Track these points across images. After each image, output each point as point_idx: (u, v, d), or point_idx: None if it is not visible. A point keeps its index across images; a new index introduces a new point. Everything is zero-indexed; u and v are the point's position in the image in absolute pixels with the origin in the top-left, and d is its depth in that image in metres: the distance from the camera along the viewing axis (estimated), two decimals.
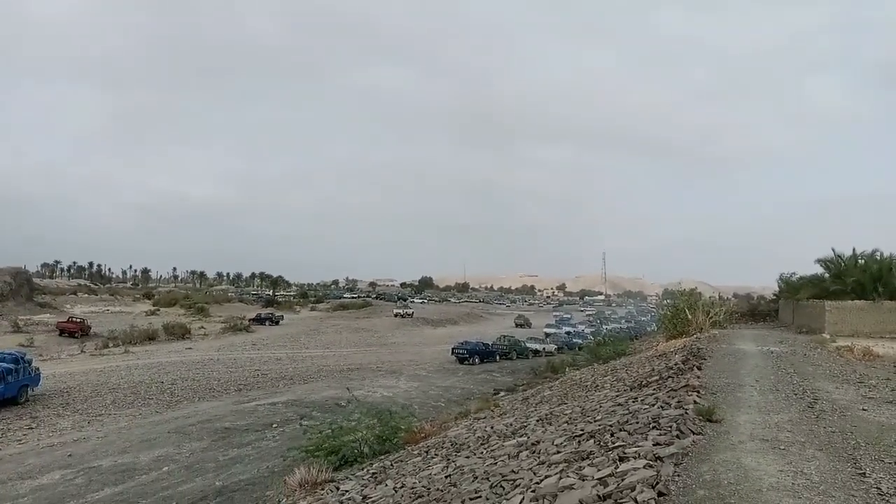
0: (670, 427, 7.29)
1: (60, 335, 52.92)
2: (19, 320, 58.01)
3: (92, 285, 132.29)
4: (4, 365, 26.54)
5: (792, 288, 39.09)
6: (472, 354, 44.21)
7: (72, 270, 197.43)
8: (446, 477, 8.80)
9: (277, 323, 75.09)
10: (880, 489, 5.37)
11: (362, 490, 10.39)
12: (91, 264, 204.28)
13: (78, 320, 57.52)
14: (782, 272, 43.28)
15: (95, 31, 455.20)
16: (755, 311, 45.92)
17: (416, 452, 12.72)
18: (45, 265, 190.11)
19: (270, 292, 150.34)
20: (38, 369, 29.20)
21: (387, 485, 9.96)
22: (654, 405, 9.24)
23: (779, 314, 42.60)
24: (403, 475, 10.36)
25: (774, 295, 47.57)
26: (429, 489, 8.48)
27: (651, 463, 5.89)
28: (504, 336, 55.57)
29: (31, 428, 23.28)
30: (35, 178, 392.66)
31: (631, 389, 12.31)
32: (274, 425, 22.29)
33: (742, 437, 7.25)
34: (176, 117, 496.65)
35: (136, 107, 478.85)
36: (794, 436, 7.41)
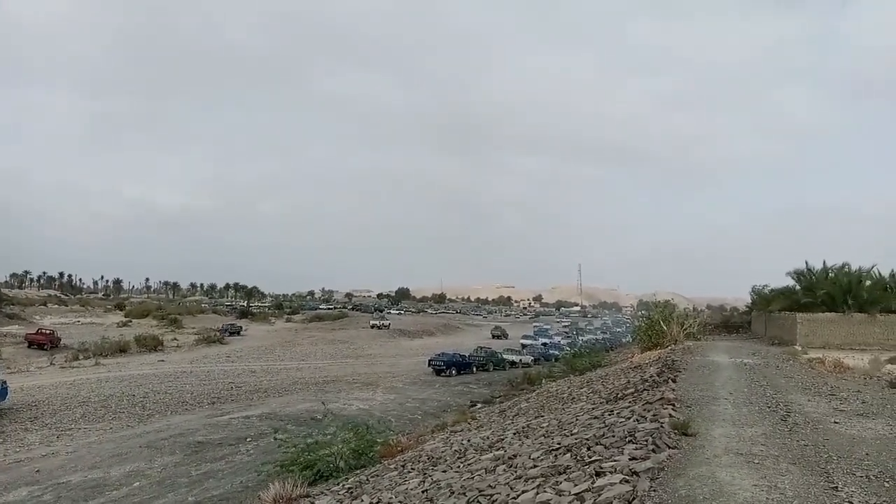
0: (646, 441, 7.33)
1: (29, 347, 51.93)
2: None
3: (62, 296, 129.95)
4: None
5: (764, 300, 39.63)
6: (449, 366, 44.10)
7: (42, 281, 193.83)
8: (423, 492, 8.75)
9: (238, 333, 74.75)
10: (852, 503, 5.44)
11: None
12: (62, 274, 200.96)
13: (47, 332, 56.44)
14: (755, 284, 43.88)
15: (67, 34, 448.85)
16: (728, 323, 46.46)
17: (392, 467, 12.64)
18: (13, 275, 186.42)
19: (245, 303, 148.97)
20: (4, 382, 28.55)
21: (363, 500, 9.88)
22: (630, 418, 9.28)
23: (751, 326, 43.15)
24: (380, 490, 10.28)
25: (747, 307, 48.19)
26: None
27: (627, 478, 5.91)
28: (481, 347, 55.60)
29: None
30: (3, 185, 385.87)
31: (607, 402, 12.37)
32: (248, 439, 22.02)
33: (717, 450, 7.30)
34: (149, 123, 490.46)
35: (109, 112, 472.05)
36: (768, 449, 7.49)
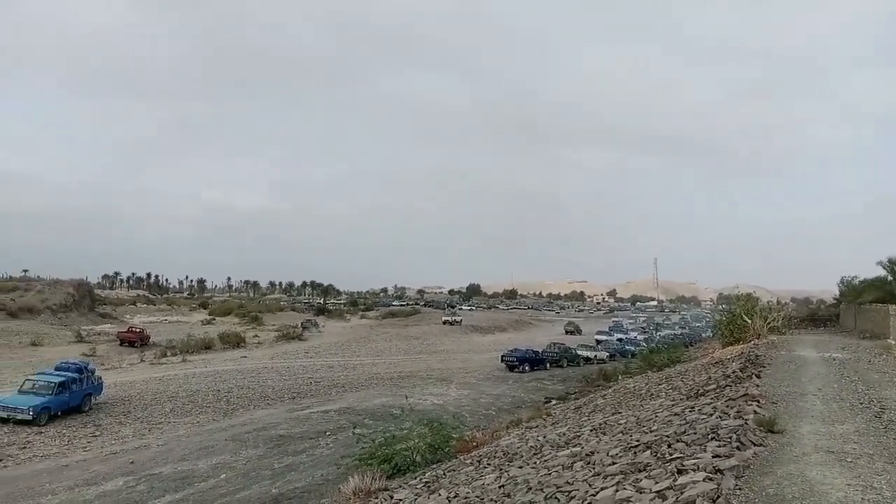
0: (730, 438, 7.12)
1: (121, 345, 54.51)
2: (82, 330, 60.15)
3: (150, 296, 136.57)
4: (69, 374, 27.49)
5: (854, 292, 37.71)
6: (522, 362, 43.82)
7: (131, 281, 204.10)
8: (500, 487, 8.77)
9: (316, 326, 77.61)
10: None
11: (416, 499, 10.43)
12: (149, 275, 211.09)
13: (137, 330, 59.27)
14: (843, 275, 41.81)
15: (140, 44, 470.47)
16: (815, 317, 44.48)
17: (468, 462, 12.70)
18: (105, 276, 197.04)
19: (321, 301, 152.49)
20: (100, 378, 30.15)
21: (440, 494, 9.97)
22: (711, 415, 9.03)
23: (840, 319, 41.14)
24: (456, 485, 10.35)
25: (835, 299, 46.05)
26: (482, 499, 8.47)
27: (711, 476, 5.76)
28: (554, 343, 54.96)
29: (95, 436, 24.08)
30: (93, 191, 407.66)
31: (687, 398, 12.06)
32: (327, 433, 22.54)
33: (806, 448, 7.03)
34: (222, 128, 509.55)
35: (183, 118, 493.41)
36: (862, 447, 7.15)
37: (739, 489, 5.41)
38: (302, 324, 77.77)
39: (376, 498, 11.73)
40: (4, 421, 24.53)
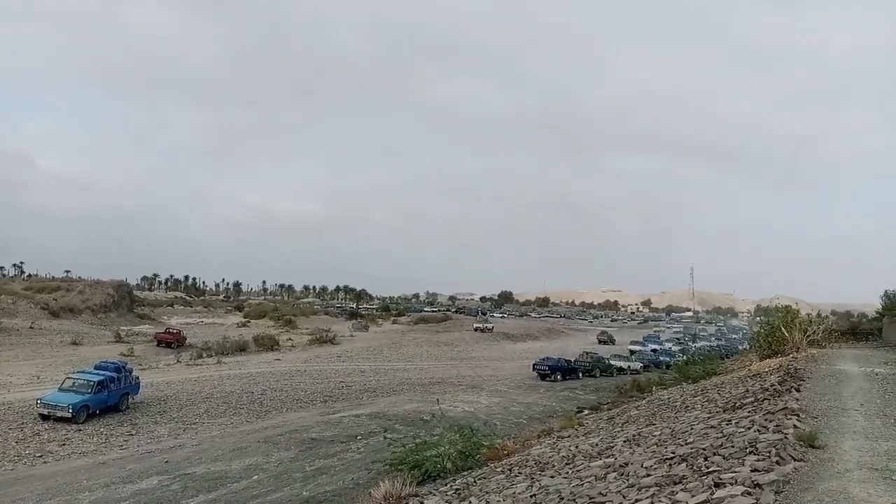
0: (769, 452, 6.96)
1: (158, 345, 55.62)
2: (121, 330, 61.50)
3: (187, 297, 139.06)
4: (108, 374, 28.10)
5: None
6: (554, 371, 43.47)
7: (169, 283, 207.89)
8: (531, 497, 8.69)
9: (366, 329, 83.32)
10: None
11: None
12: (187, 277, 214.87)
13: (174, 331, 60.39)
14: (887, 288, 40.63)
15: (186, 50, 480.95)
16: (856, 330, 43.25)
17: (499, 470, 12.62)
18: (144, 278, 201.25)
19: (354, 305, 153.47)
20: (137, 378, 30.77)
21: (471, 502, 9.93)
22: (749, 428, 8.83)
23: (883, 333, 39.93)
24: (487, 493, 10.29)
25: (878, 312, 44.70)
26: None
27: (750, 490, 5.63)
28: (587, 352, 54.47)
29: (132, 434, 24.56)
30: (134, 194, 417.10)
31: (724, 411, 11.83)
32: (358, 437, 22.62)
33: (848, 464, 6.83)
34: (264, 133, 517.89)
35: (226, 123, 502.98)
36: None
37: None
38: (353, 325, 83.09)
39: (406, 503, 11.72)
40: (45, 418, 25.17)
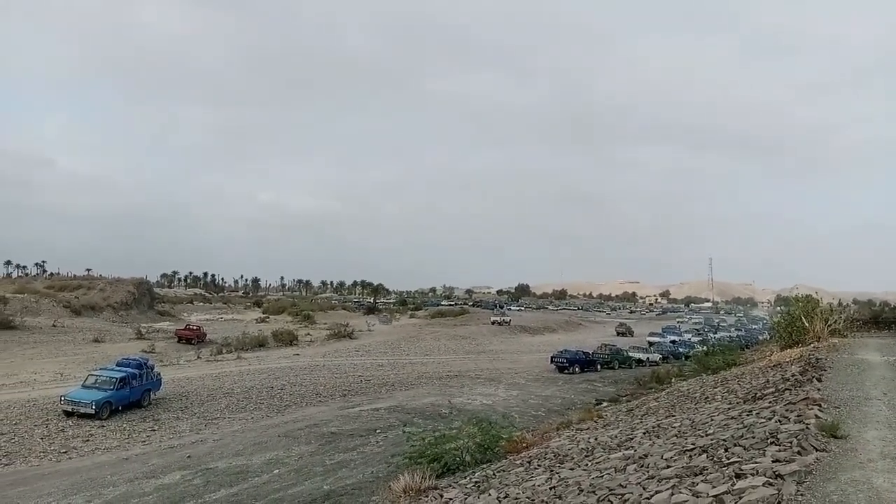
0: (790, 443, 6.90)
1: (178, 342, 56.00)
2: (142, 327, 62.18)
3: (206, 294, 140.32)
4: (130, 370, 28.41)
5: None
6: (572, 363, 43.37)
7: (188, 280, 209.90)
8: (551, 489, 8.69)
9: (390, 323, 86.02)
10: None
11: (465, 499, 10.42)
12: (206, 274, 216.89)
13: (194, 328, 60.89)
14: None
15: (198, 50, 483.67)
16: (878, 319, 42.69)
17: (518, 462, 12.63)
18: (164, 275, 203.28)
19: (371, 300, 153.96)
20: (159, 374, 31.06)
21: (490, 494, 9.94)
22: (770, 419, 8.77)
23: None
24: (507, 485, 10.30)
25: None
26: (533, 501, 8.40)
27: (771, 480, 5.59)
28: (605, 344, 54.29)
29: (154, 430, 24.83)
30: (153, 193, 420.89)
31: (744, 402, 11.74)
32: (377, 431, 22.72)
33: (871, 455, 6.75)
34: (277, 131, 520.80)
35: (240, 122, 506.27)
36: None
37: (801, 495, 5.23)
38: (380, 318, 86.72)
39: (426, 496, 11.76)
40: (69, 414, 25.52)
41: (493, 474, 12.06)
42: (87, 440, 23.00)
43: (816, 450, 6.69)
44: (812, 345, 23.53)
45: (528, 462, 12.20)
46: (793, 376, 13.39)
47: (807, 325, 26.03)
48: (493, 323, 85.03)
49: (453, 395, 27.80)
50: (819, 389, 11.06)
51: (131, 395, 27.67)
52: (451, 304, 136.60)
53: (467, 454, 14.42)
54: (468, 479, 12.37)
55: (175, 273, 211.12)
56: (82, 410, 25.46)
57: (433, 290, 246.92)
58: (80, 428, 24.40)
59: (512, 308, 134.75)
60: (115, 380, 27.00)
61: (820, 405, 9.40)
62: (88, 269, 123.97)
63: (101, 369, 29.59)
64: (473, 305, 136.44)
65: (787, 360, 19.55)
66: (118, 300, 76.83)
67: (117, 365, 30.27)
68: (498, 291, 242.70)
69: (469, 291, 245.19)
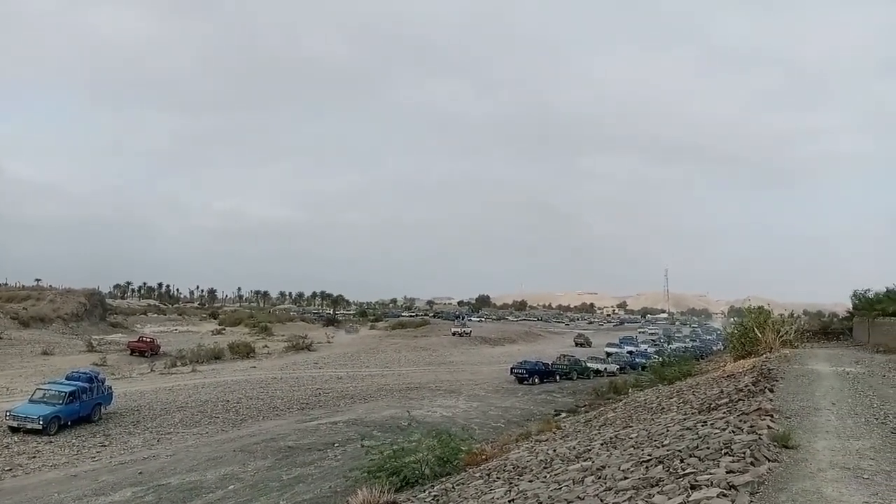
0: (744, 453, 7.02)
1: (131, 354, 54.69)
2: (93, 340, 60.42)
3: (161, 305, 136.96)
4: (79, 384, 27.59)
5: (867, 304, 37.28)
6: (532, 374, 43.64)
7: (142, 291, 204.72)
8: (509, 502, 8.68)
9: (357, 332, 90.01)
10: None
11: None
12: (160, 285, 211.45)
13: (148, 340, 59.51)
14: (856, 288, 41.37)
15: (157, 54, 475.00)
16: (828, 330, 43.93)
17: (477, 475, 12.61)
18: (117, 286, 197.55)
19: (331, 311, 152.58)
20: (110, 388, 30.26)
21: None
22: (724, 429, 8.92)
23: (853, 332, 40.67)
24: (465, 499, 10.27)
25: (848, 312, 45.48)
26: None
27: (725, 492, 5.67)
28: (564, 355, 54.74)
29: (105, 445, 24.13)
30: (107, 201, 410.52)
31: (699, 412, 11.93)
32: (336, 444, 22.48)
33: (821, 464, 6.92)
34: (236, 138, 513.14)
35: (198, 128, 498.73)
36: (878, 464, 7.03)
37: None
38: (346, 329, 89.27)
39: None
40: (15, 430, 24.65)
41: (453, 487, 12.00)
42: (34, 457, 22.23)
43: (769, 460, 6.82)
44: (764, 355, 24.06)
45: (488, 475, 12.18)
46: (746, 387, 13.67)
47: (759, 336, 26.62)
48: (453, 334, 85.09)
49: (413, 408, 27.63)
50: (771, 400, 11.31)
51: (81, 409, 26.88)
52: (411, 316, 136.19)
53: (427, 467, 14.35)
54: (427, 492, 12.30)
55: (129, 284, 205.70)
56: (29, 426, 24.64)
57: (394, 301, 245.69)
58: (26, 444, 23.57)
59: (472, 319, 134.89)
60: (63, 394, 26.20)
61: (772, 416, 9.60)
62: (38, 280, 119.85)
63: (49, 383, 28.69)
64: (434, 317, 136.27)
65: (741, 370, 19.96)
66: (69, 311, 74.55)
67: (67, 378, 29.36)
68: (459, 302, 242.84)
69: (430, 302, 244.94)
